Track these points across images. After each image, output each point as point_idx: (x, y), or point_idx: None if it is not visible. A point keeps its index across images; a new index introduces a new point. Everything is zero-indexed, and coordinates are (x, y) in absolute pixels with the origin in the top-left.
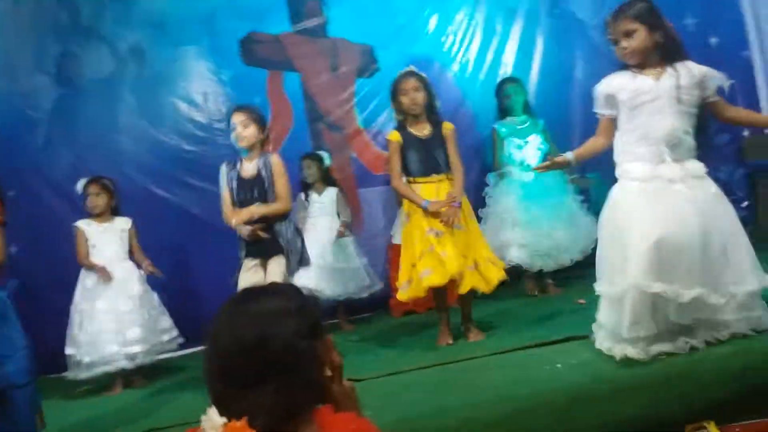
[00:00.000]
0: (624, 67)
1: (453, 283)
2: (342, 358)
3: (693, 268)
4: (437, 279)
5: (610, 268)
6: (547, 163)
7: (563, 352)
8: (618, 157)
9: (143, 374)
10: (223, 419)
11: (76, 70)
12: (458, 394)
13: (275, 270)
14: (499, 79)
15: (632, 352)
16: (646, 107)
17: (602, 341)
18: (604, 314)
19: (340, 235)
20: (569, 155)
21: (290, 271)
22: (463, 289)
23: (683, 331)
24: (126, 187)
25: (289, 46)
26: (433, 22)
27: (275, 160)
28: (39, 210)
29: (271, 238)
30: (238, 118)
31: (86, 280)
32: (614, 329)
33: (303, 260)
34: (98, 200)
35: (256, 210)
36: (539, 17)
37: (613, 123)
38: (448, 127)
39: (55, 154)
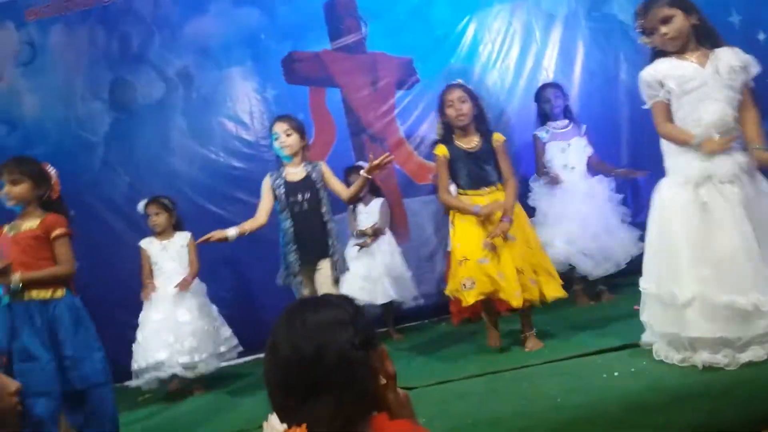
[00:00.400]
0: (662, 54)
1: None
2: (395, 367)
3: (758, 274)
4: (478, 293)
5: (658, 270)
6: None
7: (620, 360)
8: (666, 147)
9: (204, 383)
10: (284, 426)
11: (128, 95)
12: (511, 403)
13: (325, 272)
14: (538, 85)
15: (718, 358)
16: (694, 93)
17: (666, 352)
18: (648, 313)
19: (364, 245)
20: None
21: (339, 270)
22: (517, 302)
23: (735, 348)
24: (181, 204)
25: (329, 62)
26: (470, 31)
27: (325, 166)
28: (98, 229)
29: (323, 240)
30: (280, 128)
31: (152, 295)
32: (671, 335)
33: (344, 264)
34: (158, 219)
35: (243, 228)
36: (579, 21)
37: (669, 107)
38: (498, 138)
39: (111, 176)
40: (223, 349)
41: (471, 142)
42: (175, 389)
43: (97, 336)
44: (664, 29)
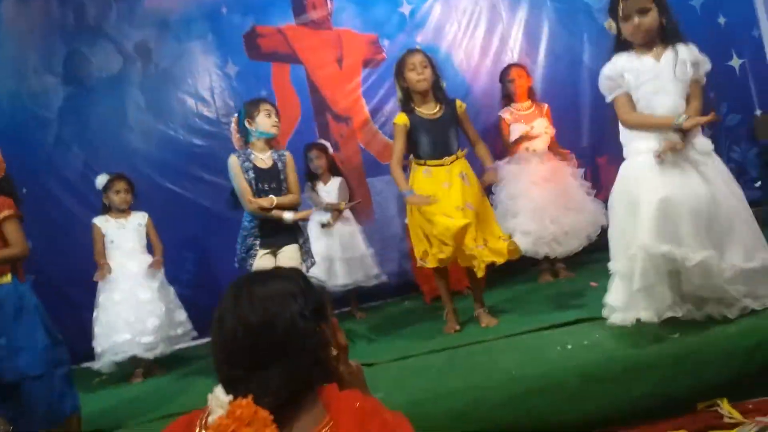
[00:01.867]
0: (622, 45)
1: (459, 267)
2: (347, 340)
3: (700, 233)
4: (444, 256)
5: (624, 243)
6: (666, 146)
7: (574, 334)
8: (624, 137)
9: (161, 364)
10: (230, 397)
11: (83, 69)
12: (468, 377)
13: (291, 256)
14: (503, 66)
15: (645, 315)
16: (649, 86)
17: (614, 317)
18: (615, 293)
19: (328, 225)
20: (676, 138)
21: (306, 259)
22: (479, 269)
23: (693, 303)
24: (138, 182)
25: (293, 38)
26: (437, 9)
27: (289, 155)
28: (50, 206)
29: (286, 229)
30: (268, 108)
31: (109, 275)
32: (625, 301)
33: (310, 253)
34: (128, 196)
35: (279, 200)
36: (545, 1)
37: (631, 98)
38: (461, 105)
39: (65, 152)
40: (179, 331)
41: (432, 109)
42: (140, 379)
43: (47, 324)
44: (638, 19)
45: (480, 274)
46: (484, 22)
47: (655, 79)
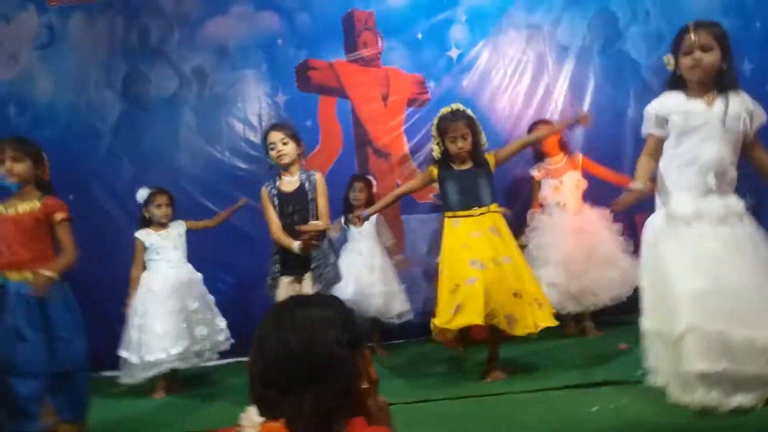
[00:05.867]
0: (675, 84)
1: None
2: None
3: (752, 309)
4: (467, 318)
5: (656, 306)
6: (623, 198)
7: (600, 396)
8: (661, 182)
9: (182, 382)
10: (262, 418)
11: (141, 87)
12: (486, 428)
13: (308, 285)
14: (534, 121)
15: (709, 399)
16: (697, 132)
17: (678, 393)
18: (656, 356)
19: (403, 265)
20: (639, 185)
21: (328, 282)
22: (519, 331)
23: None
24: (180, 199)
25: (342, 73)
26: (485, 55)
27: (320, 178)
28: (97, 216)
29: (304, 256)
30: (276, 137)
31: (151, 283)
32: (676, 374)
33: (337, 276)
34: (168, 210)
35: (314, 227)
36: (592, 55)
37: (661, 144)
38: (492, 159)
39: (115, 165)
40: (221, 338)
41: (464, 164)
42: (162, 394)
43: (83, 324)
44: (699, 55)
45: (518, 332)
46: (530, 71)
47: (705, 125)
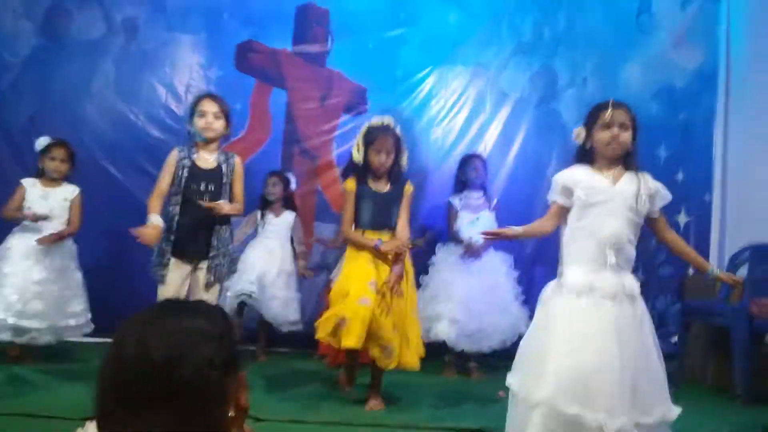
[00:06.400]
0: (584, 157)
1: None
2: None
3: (614, 396)
4: (353, 341)
5: (524, 368)
6: (496, 230)
7: None
8: (562, 251)
9: (34, 354)
10: None
11: (63, 25)
12: None
13: (203, 273)
14: (468, 153)
15: None
16: (599, 207)
17: None
18: (512, 416)
19: (306, 274)
20: (518, 229)
21: (221, 275)
22: (394, 363)
23: None
24: (78, 154)
25: (285, 63)
26: (429, 81)
27: (239, 162)
28: None
29: (206, 239)
30: (210, 107)
31: (11, 240)
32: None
33: (229, 272)
34: (63, 167)
35: (226, 207)
36: (528, 107)
37: (563, 212)
38: (409, 187)
39: (15, 102)
40: (72, 322)
41: (382, 188)
42: (16, 356)
43: None
44: (617, 131)
45: (392, 366)
46: (468, 107)
47: (607, 202)
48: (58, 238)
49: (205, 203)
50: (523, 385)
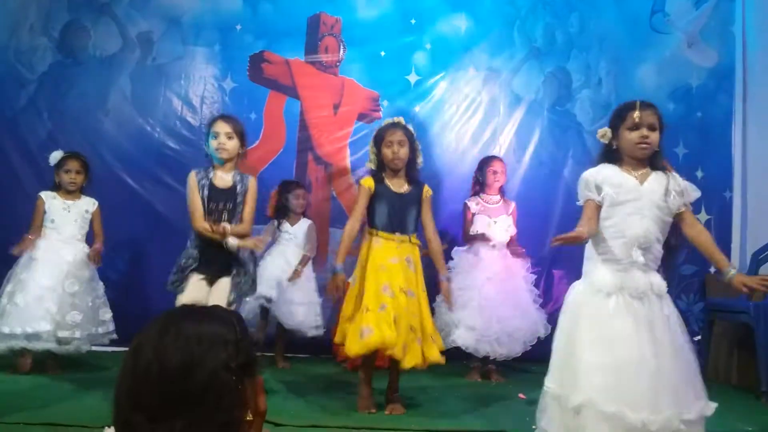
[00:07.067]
0: (610, 158)
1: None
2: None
3: (654, 392)
4: (377, 340)
5: (561, 371)
6: (565, 236)
7: None
8: (588, 250)
9: (58, 363)
10: None
11: (80, 41)
12: None
13: (224, 288)
14: (486, 155)
15: None
16: (626, 206)
17: None
18: (551, 420)
19: (297, 276)
20: (584, 230)
21: (242, 293)
22: (407, 363)
23: None
24: (97, 169)
25: (297, 73)
26: (442, 87)
27: (253, 183)
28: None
29: (226, 258)
30: (222, 128)
31: (36, 252)
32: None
33: (252, 288)
34: (78, 178)
35: (233, 228)
36: (542, 110)
37: (598, 210)
38: (428, 191)
39: (33, 118)
40: (100, 330)
41: (400, 187)
42: (28, 371)
43: None
44: (646, 132)
45: (406, 366)
46: (481, 112)
47: (635, 201)
48: (100, 250)
49: (211, 224)
50: (563, 387)
